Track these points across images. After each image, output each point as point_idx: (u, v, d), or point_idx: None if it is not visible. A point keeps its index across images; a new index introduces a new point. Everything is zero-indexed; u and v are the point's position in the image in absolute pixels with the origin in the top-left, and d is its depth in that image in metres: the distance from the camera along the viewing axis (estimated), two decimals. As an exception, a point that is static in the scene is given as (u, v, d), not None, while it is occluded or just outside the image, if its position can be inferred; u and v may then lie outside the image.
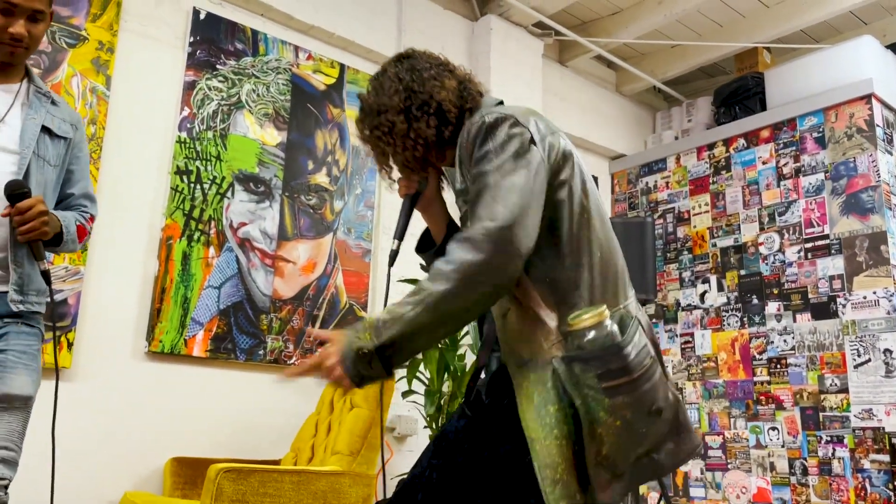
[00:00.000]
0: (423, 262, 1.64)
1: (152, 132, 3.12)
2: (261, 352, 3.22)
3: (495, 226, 1.17)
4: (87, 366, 2.81)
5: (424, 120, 1.39)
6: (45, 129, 1.83)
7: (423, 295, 1.18)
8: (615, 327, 1.23)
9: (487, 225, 1.17)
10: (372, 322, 1.21)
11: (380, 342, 1.19)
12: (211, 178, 3.20)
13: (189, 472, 2.79)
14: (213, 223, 3.18)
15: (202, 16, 3.29)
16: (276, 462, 3.01)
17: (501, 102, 1.47)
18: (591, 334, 1.21)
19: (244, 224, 3.27)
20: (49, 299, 1.89)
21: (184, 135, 3.16)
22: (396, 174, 1.55)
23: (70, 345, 2.74)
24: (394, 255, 1.55)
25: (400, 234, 1.56)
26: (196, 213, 3.13)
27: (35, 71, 2.79)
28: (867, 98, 3.93)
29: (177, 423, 2.98)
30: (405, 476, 1.50)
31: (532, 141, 1.27)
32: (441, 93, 1.41)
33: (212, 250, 3.15)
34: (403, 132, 1.40)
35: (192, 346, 3.03)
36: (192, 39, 3.24)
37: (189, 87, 3.20)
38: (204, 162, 3.20)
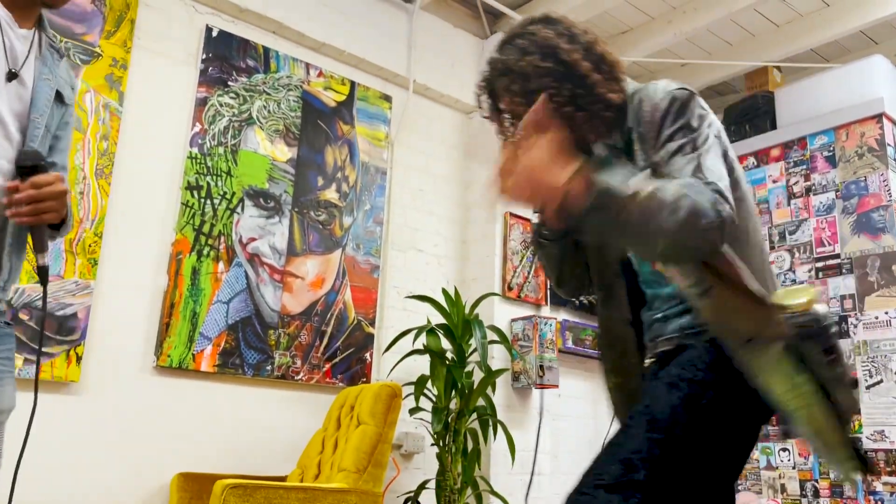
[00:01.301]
0: (543, 239, 1.53)
1: (164, 148, 3.14)
2: (268, 367, 3.22)
3: (725, 190, 1.21)
4: (95, 380, 2.81)
5: (607, 83, 1.35)
6: (57, 94, 1.54)
7: (676, 201, 1.15)
8: (824, 308, 1.30)
9: (720, 187, 1.21)
10: (625, 189, 1.17)
11: (626, 216, 1.16)
12: (221, 193, 3.22)
13: (196, 487, 2.79)
14: (222, 238, 3.19)
15: (214, 33, 3.32)
16: (283, 478, 3.00)
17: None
18: (814, 311, 1.28)
19: (253, 239, 3.28)
20: (40, 303, 1.60)
21: (195, 150, 3.18)
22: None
23: (79, 359, 2.75)
24: (537, 230, 1.50)
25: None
26: (206, 229, 3.15)
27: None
28: (878, 117, 3.92)
29: (184, 438, 2.98)
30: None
31: (713, 122, 1.32)
32: (612, 55, 1.38)
33: (221, 265, 3.16)
34: (589, 92, 1.33)
35: (200, 361, 3.04)
36: (204, 56, 3.27)
37: (201, 103, 3.23)
38: (214, 177, 3.22)
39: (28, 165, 1.38)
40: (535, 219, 1.51)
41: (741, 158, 4.50)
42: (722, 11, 4.10)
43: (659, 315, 1.45)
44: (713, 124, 1.32)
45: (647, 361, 1.48)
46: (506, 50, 1.43)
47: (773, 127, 4.44)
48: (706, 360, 1.32)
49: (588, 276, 1.56)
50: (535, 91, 1.34)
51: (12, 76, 1.43)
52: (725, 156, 1.33)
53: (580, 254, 1.53)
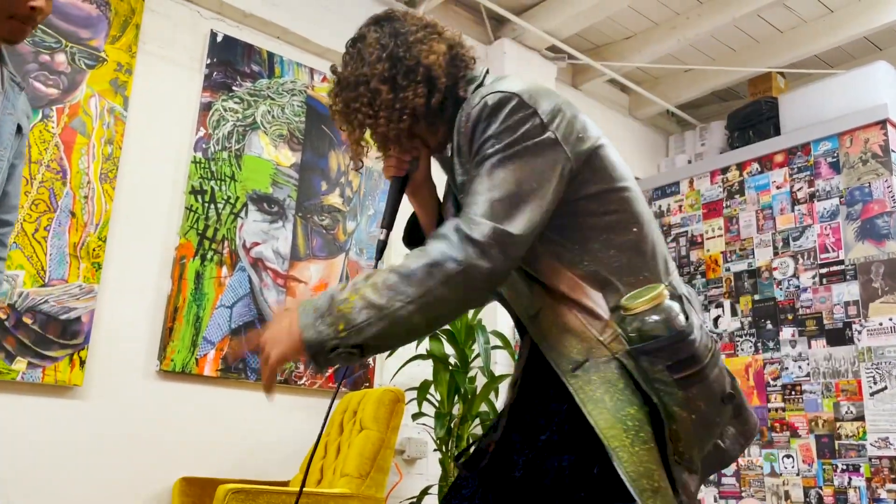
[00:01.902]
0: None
1: (168, 152, 3.15)
2: (271, 372, 3.22)
3: (503, 229, 1.07)
4: (98, 384, 2.82)
5: (412, 88, 1.25)
6: (17, 127, 1.60)
7: (421, 291, 1.05)
8: (677, 307, 1.12)
9: (496, 227, 1.07)
10: (346, 312, 1.07)
11: (361, 341, 1.06)
12: (225, 198, 3.23)
13: (198, 491, 2.78)
14: (226, 243, 3.19)
15: (219, 38, 3.33)
16: (285, 483, 3.00)
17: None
18: (654, 318, 1.09)
19: (257, 244, 3.28)
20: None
21: (199, 155, 3.19)
22: (373, 154, 1.39)
23: (83, 363, 2.75)
24: (382, 246, 1.38)
25: (388, 223, 1.40)
26: (210, 233, 3.15)
27: (53, 91, 2.84)
28: (882, 123, 3.91)
29: (187, 443, 2.98)
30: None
31: (543, 124, 1.15)
32: (430, 57, 1.27)
33: (224, 270, 3.17)
34: (388, 103, 1.25)
35: (203, 366, 3.04)
36: (209, 61, 3.28)
37: (205, 108, 3.24)
38: (218, 182, 3.22)
39: None
40: (381, 236, 1.41)
41: (745, 164, 4.50)
42: (725, 17, 4.11)
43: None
44: (535, 126, 1.15)
45: None
46: (344, 55, 1.37)
47: (777, 133, 4.43)
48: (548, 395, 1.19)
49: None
50: (351, 102, 1.30)
51: None
52: (569, 150, 1.17)
53: None
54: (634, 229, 1.19)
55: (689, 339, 1.09)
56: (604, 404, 1.08)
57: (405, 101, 1.25)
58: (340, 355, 1.07)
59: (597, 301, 1.14)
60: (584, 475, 1.10)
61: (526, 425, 1.20)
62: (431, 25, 1.34)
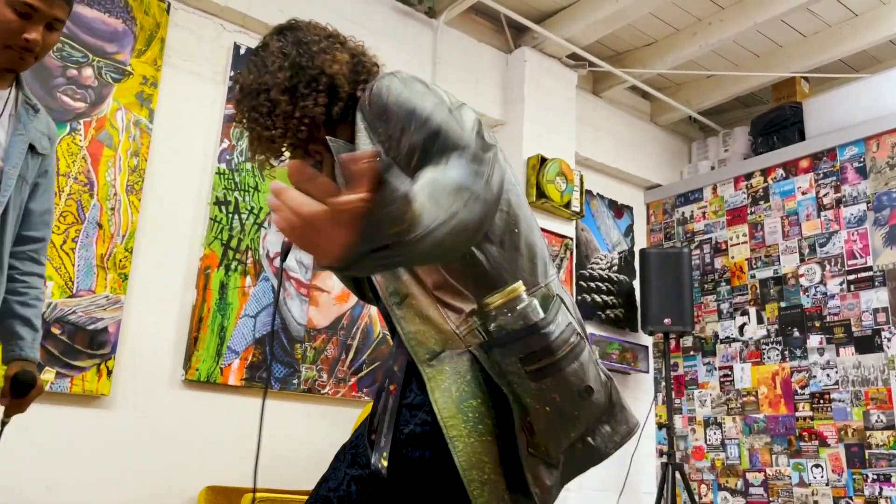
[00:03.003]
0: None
1: (193, 164, 3.19)
2: (295, 381, 3.24)
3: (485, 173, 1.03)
4: (125, 393, 2.85)
5: (312, 98, 1.25)
6: (30, 146, 1.69)
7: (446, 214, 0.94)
8: (535, 303, 1.12)
9: (479, 169, 1.02)
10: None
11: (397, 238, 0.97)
12: (249, 208, 3.26)
13: (223, 500, 2.80)
14: (250, 253, 3.22)
15: (242, 50, 3.37)
16: (309, 493, 3.00)
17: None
18: (507, 313, 1.10)
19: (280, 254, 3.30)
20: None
21: (223, 166, 3.22)
22: (273, 161, 1.38)
23: (109, 372, 2.78)
24: (286, 249, 1.34)
25: (285, 252, 1.35)
26: (234, 243, 3.18)
27: (80, 105, 2.89)
28: (910, 127, 3.86)
29: (212, 452, 3.00)
30: (318, 490, 1.39)
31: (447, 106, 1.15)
32: (333, 66, 1.28)
33: (248, 280, 3.19)
34: (287, 113, 1.26)
35: (228, 375, 3.06)
36: (232, 73, 3.32)
37: (229, 119, 3.27)
38: (242, 193, 3.25)
39: (26, 388, 1.67)
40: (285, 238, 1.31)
41: (769, 170, 4.45)
42: (748, 23, 4.07)
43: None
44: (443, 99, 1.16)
45: None
46: (247, 65, 1.36)
47: (802, 138, 4.39)
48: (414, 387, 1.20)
49: None
50: (252, 111, 1.29)
51: None
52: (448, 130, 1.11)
53: None
54: (516, 230, 1.19)
55: (542, 333, 1.10)
56: (449, 394, 1.11)
57: (304, 109, 1.26)
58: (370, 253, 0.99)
59: (461, 296, 1.14)
60: (445, 468, 1.11)
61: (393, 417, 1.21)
62: (334, 35, 1.36)
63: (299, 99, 1.26)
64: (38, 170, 1.73)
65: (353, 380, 3.41)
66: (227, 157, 3.24)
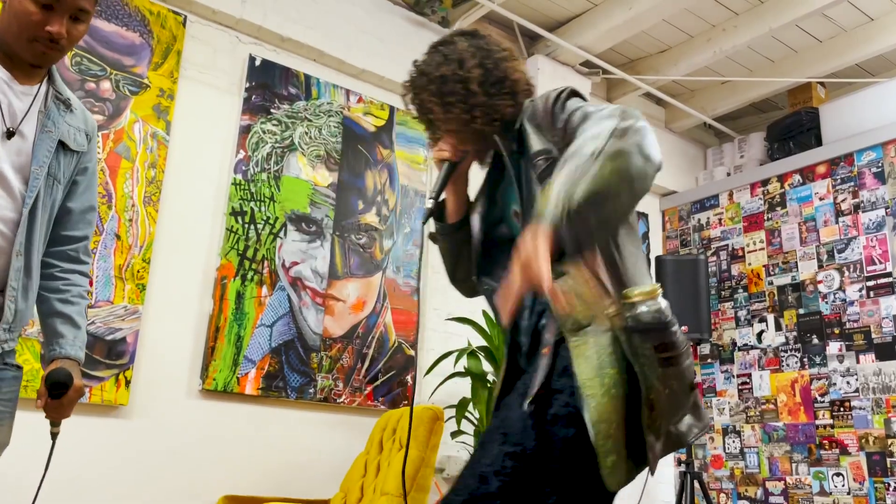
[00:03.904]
0: (434, 232, 1.67)
1: (209, 175, 3.22)
2: (311, 390, 3.24)
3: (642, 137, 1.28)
4: (143, 403, 2.87)
5: (501, 97, 1.47)
6: (61, 143, 1.60)
7: (606, 155, 1.24)
8: (665, 304, 1.30)
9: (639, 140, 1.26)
10: (561, 194, 1.23)
11: (577, 203, 1.22)
12: (264, 218, 3.28)
13: (240, 510, 2.81)
14: (266, 263, 3.24)
15: (258, 62, 3.40)
16: (326, 502, 3.00)
17: None
18: (645, 307, 1.28)
19: (296, 263, 3.32)
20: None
21: (239, 177, 3.24)
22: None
23: (128, 382, 2.80)
24: (428, 214, 1.55)
25: (437, 194, 1.56)
26: (250, 253, 3.20)
27: (98, 118, 2.92)
28: (928, 132, 3.82)
29: (229, 461, 3.01)
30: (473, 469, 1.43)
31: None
32: (516, 74, 1.50)
33: (264, 289, 3.21)
34: (483, 104, 1.47)
35: (245, 384, 3.08)
36: (247, 85, 3.35)
37: (244, 130, 3.30)
38: (258, 203, 3.28)
39: (59, 388, 1.56)
40: (428, 203, 1.56)
41: (786, 176, 4.42)
42: (762, 28, 4.06)
43: (541, 323, 1.47)
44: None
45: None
46: (430, 55, 1.56)
47: (819, 143, 4.35)
48: (559, 371, 1.35)
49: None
50: (447, 95, 1.49)
51: (10, 134, 1.53)
52: None
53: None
54: (640, 243, 1.46)
55: (671, 330, 1.29)
56: (591, 362, 1.30)
57: (497, 106, 1.48)
58: (573, 219, 1.22)
59: (609, 282, 1.35)
60: (585, 446, 1.27)
61: (537, 399, 1.35)
62: (509, 49, 1.55)
63: (493, 96, 1.47)
64: (74, 167, 1.65)
65: (368, 389, 3.42)
66: (243, 167, 3.27)
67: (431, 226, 1.68)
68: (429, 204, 1.56)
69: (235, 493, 2.89)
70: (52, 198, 1.60)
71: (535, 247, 1.21)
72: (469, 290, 1.68)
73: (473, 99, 1.46)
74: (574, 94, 1.45)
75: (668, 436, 1.34)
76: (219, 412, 3.03)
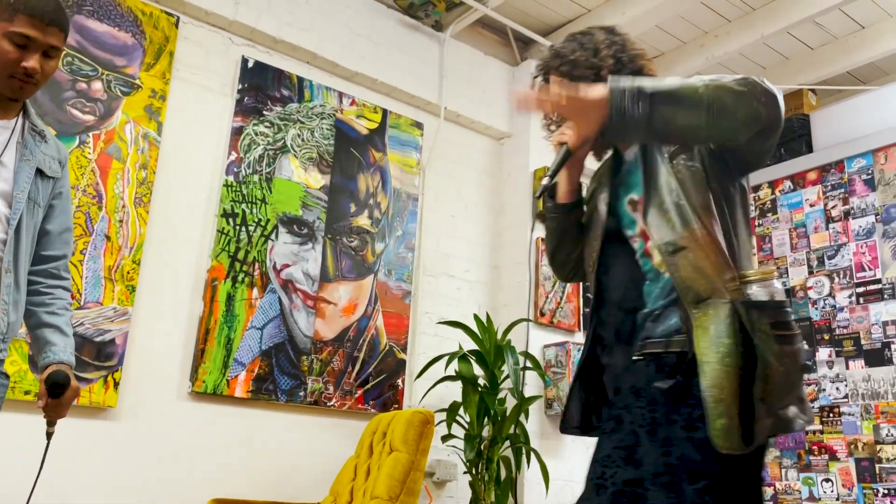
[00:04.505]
0: (547, 211, 1.73)
1: (200, 176, 3.20)
2: (301, 393, 3.23)
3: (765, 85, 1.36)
4: (131, 405, 2.85)
5: None
6: (38, 171, 1.79)
7: (708, 80, 1.34)
8: (780, 286, 1.39)
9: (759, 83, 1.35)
10: (644, 79, 1.35)
11: (654, 89, 1.32)
12: (256, 220, 3.27)
13: (228, 513, 2.79)
14: (257, 265, 3.23)
15: (250, 64, 3.39)
16: (315, 505, 2.99)
17: None
18: (762, 286, 1.38)
19: (287, 266, 3.31)
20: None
21: (230, 178, 3.23)
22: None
23: (116, 384, 2.79)
24: (543, 190, 1.58)
25: (553, 174, 1.59)
26: (241, 255, 3.19)
27: (89, 118, 2.91)
28: (918, 139, 3.84)
29: (218, 464, 2.99)
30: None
31: None
32: (648, 71, 1.59)
33: (255, 291, 3.20)
34: None
35: (235, 387, 3.06)
36: (240, 87, 3.34)
37: (236, 132, 3.29)
38: (249, 205, 3.26)
39: (58, 389, 1.72)
40: (544, 181, 1.58)
41: (777, 182, 4.44)
42: (754, 35, 4.08)
43: (649, 312, 1.51)
44: None
45: (636, 357, 1.52)
46: (567, 42, 1.64)
47: (809, 150, 4.37)
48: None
49: (580, 265, 1.70)
50: (577, 78, 1.54)
51: None
52: None
53: (577, 243, 1.69)
54: (748, 228, 1.53)
55: (786, 310, 1.38)
56: (708, 332, 1.35)
57: None
58: (634, 97, 1.31)
59: (729, 258, 1.40)
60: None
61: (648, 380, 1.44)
62: (644, 49, 1.64)
63: None
64: (50, 192, 1.84)
65: (359, 392, 3.41)
66: (235, 169, 3.26)
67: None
68: (545, 181, 1.59)
69: (224, 497, 2.87)
70: (33, 220, 1.78)
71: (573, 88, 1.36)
72: (565, 274, 1.75)
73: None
74: None
75: (776, 416, 1.36)
76: (208, 415, 3.02)
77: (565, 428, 1.63)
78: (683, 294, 1.40)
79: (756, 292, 1.37)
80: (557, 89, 1.38)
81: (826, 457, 3.87)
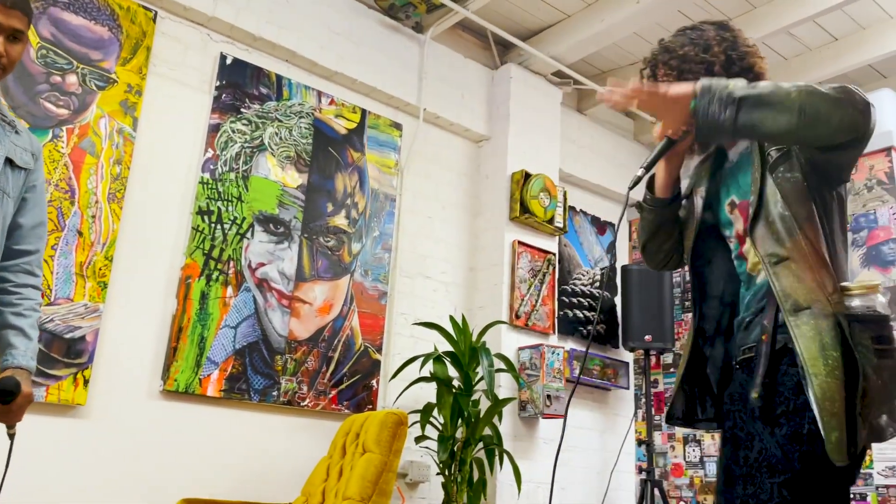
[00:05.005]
0: (641, 201, 1.77)
1: (176, 173, 3.18)
2: (274, 393, 3.21)
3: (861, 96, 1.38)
4: (102, 403, 2.81)
5: None
6: (8, 160, 1.74)
7: (802, 86, 1.36)
8: (883, 300, 1.40)
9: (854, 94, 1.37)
10: (736, 82, 1.39)
11: (743, 94, 1.36)
12: (231, 218, 3.25)
13: (199, 513, 2.77)
14: (231, 263, 3.21)
15: (229, 61, 3.37)
16: (287, 506, 2.98)
17: None
18: (865, 300, 1.39)
19: (262, 264, 3.30)
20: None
21: (207, 176, 3.21)
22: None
23: (86, 382, 2.75)
24: (636, 181, 1.59)
25: (649, 165, 1.63)
26: (216, 253, 3.17)
27: (63, 112, 2.87)
28: (887, 150, 3.92)
29: (189, 463, 2.96)
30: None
31: None
32: (758, 68, 1.62)
33: (230, 290, 3.17)
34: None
35: (207, 386, 3.04)
36: (218, 84, 3.32)
37: (213, 129, 3.27)
38: (225, 203, 3.24)
39: (6, 396, 1.66)
40: (639, 172, 1.61)
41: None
42: (730, 44, 4.13)
43: (741, 320, 1.58)
44: None
45: (736, 362, 1.59)
46: (677, 36, 1.68)
47: (782, 159, 4.44)
48: (792, 385, 1.42)
49: (673, 256, 1.78)
50: (686, 72, 1.60)
51: None
52: None
53: (675, 231, 1.75)
54: (848, 246, 1.56)
55: (890, 325, 1.38)
56: (813, 342, 1.37)
57: None
58: (722, 101, 1.36)
59: (830, 270, 1.43)
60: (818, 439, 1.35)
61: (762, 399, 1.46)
62: (756, 46, 1.66)
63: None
64: (23, 185, 1.79)
65: (333, 392, 3.40)
66: (211, 166, 3.23)
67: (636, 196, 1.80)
68: (639, 172, 1.61)
69: (195, 497, 2.85)
70: (2, 211, 1.73)
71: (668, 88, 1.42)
72: (656, 263, 1.81)
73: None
74: None
75: (870, 427, 1.38)
76: (179, 414, 2.99)
77: (670, 419, 1.68)
78: (782, 302, 1.43)
79: (859, 306, 1.40)
80: (640, 86, 1.44)
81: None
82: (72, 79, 2.93)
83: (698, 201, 1.69)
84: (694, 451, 4.41)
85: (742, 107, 1.36)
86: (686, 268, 1.74)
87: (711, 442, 4.33)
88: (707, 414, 1.65)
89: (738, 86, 1.38)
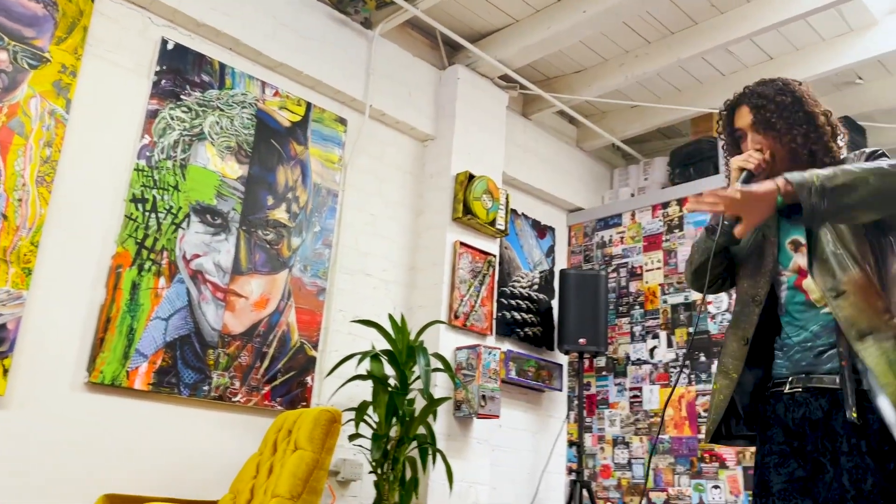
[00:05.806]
0: (714, 225, 1.86)
1: (110, 158, 3.08)
2: (205, 387, 3.15)
3: None
4: (23, 394, 2.70)
5: (833, 141, 1.80)
6: None
7: (871, 168, 1.59)
8: None
9: None
10: (818, 173, 1.58)
11: (831, 185, 1.56)
12: (167, 207, 3.16)
13: (121, 509, 2.69)
14: (165, 253, 3.12)
15: (170, 45, 3.29)
16: (213, 503, 2.92)
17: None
18: None
19: (198, 256, 3.22)
20: None
21: (142, 163, 3.12)
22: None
23: (6, 371, 2.64)
24: (728, 228, 1.74)
25: (745, 181, 1.77)
26: (149, 243, 3.08)
27: (-7, 89, 2.75)
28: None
29: (113, 458, 2.88)
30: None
31: None
32: (840, 132, 1.83)
33: (162, 281, 3.09)
34: (822, 137, 1.78)
35: (135, 379, 2.95)
36: (158, 69, 3.23)
37: (151, 115, 3.18)
38: (161, 191, 3.16)
39: None
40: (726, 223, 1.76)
41: (685, 200, 4.63)
42: (671, 58, 4.25)
43: (807, 344, 1.73)
44: None
45: (789, 389, 1.74)
46: (767, 85, 1.87)
47: (717, 171, 4.59)
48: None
49: (717, 280, 1.94)
50: (778, 120, 1.79)
51: None
52: None
53: (724, 261, 1.90)
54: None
55: None
56: (881, 358, 1.56)
57: (831, 149, 1.78)
58: (813, 191, 1.55)
59: (885, 296, 1.63)
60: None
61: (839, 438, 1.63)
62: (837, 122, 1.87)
63: (832, 140, 1.79)
64: None
65: (266, 388, 3.35)
66: (148, 153, 3.14)
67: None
68: (726, 222, 1.75)
69: (117, 492, 2.76)
70: None
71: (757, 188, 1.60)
72: (699, 286, 1.93)
73: (816, 134, 1.76)
74: (884, 154, 1.73)
75: None
76: (105, 407, 2.90)
77: (715, 440, 1.86)
78: (847, 330, 1.61)
79: None
80: (729, 190, 1.59)
81: (717, 465, 4.07)
82: (2, 56, 2.81)
83: (771, 241, 1.83)
84: (622, 452, 4.51)
85: (834, 196, 1.55)
86: (678, 283, 1.90)
87: (640, 445, 4.43)
88: (739, 430, 1.84)
89: (823, 177, 1.57)
